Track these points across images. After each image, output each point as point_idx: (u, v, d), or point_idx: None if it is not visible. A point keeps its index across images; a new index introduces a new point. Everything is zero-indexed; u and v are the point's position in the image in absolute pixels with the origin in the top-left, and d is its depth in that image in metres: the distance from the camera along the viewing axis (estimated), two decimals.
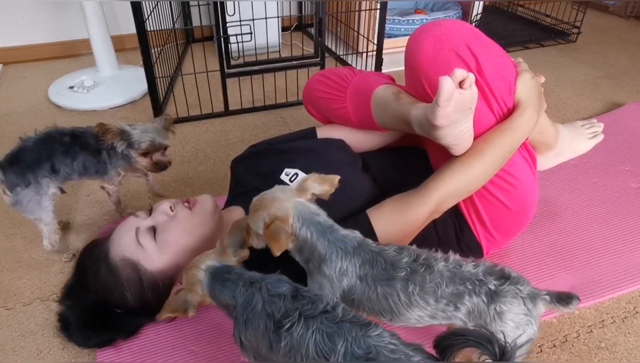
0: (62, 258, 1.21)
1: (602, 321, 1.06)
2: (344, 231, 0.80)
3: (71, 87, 1.97)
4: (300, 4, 2.62)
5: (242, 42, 1.70)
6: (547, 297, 0.74)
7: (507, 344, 0.56)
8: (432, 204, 0.93)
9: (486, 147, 0.93)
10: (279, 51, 2.32)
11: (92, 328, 0.98)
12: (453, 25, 0.94)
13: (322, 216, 0.80)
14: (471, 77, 0.80)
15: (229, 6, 1.70)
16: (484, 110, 0.94)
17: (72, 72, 2.11)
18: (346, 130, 1.20)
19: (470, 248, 1.07)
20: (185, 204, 1.02)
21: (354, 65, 2.14)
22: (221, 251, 0.80)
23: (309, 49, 2.30)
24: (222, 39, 1.70)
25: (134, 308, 0.95)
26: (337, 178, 0.83)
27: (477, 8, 2.34)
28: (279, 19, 2.20)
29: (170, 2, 2.13)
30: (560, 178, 1.47)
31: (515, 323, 0.72)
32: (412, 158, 1.16)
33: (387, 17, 2.31)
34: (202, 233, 0.97)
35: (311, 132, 1.23)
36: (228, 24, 1.73)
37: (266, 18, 1.73)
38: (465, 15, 2.45)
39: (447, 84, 0.77)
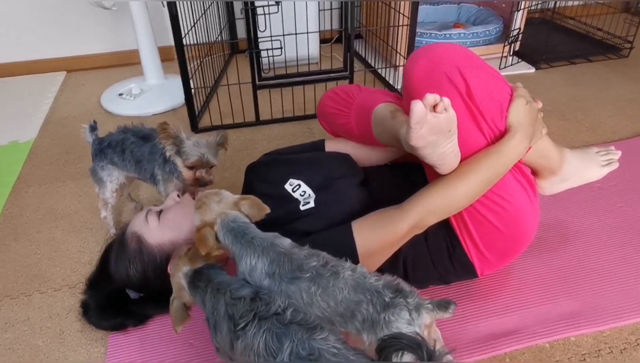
0: (109, 233, 1.39)
1: (599, 350, 1.03)
2: (255, 234, 0.87)
3: (120, 94, 2.15)
4: (341, 18, 2.69)
5: (273, 55, 1.79)
6: (430, 306, 0.78)
7: (435, 349, 0.59)
8: (411, 219, 0.96)
9: (470, 169, 0.95)
10: (319, 62, 2.40)
11: (107, 311, 1.11)
12: (447, 49, 0.97)
13: (239, 221, 0.88)
14: (445, 102, 0.83)
15: (260, 22, 1.80)
16: (474, 132, 0.96)
17: (123, 80, 2.28)
18: (352, 145, 1.25)
19: (463, 266, 1.08)
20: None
21: (388, 79, 2.18)
22: (192, 256, 0.88)
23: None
24: (254, 53, 1.80)
25: (139, 286, 1.07)
26: (267, 209, 0.92)
27: (518, 22, 2.29)
28: (317, 33, 2.28)
29: (217, 15, 2.27)
30: (580, 200, 1.43)
31: (399, 330, 0.77)
32: (413, 174, 1.18)
33: (424, 31, 2.34)
34: None
35: (320, 144, 1.29)
36: (261, 39, 1.83)
37: (296, 34, 1.82)
38: (507, 28, 2.41)
39: (417, 108, 0.80)
